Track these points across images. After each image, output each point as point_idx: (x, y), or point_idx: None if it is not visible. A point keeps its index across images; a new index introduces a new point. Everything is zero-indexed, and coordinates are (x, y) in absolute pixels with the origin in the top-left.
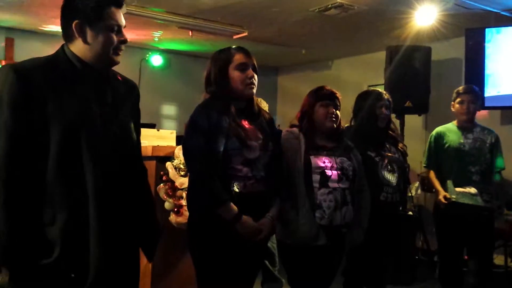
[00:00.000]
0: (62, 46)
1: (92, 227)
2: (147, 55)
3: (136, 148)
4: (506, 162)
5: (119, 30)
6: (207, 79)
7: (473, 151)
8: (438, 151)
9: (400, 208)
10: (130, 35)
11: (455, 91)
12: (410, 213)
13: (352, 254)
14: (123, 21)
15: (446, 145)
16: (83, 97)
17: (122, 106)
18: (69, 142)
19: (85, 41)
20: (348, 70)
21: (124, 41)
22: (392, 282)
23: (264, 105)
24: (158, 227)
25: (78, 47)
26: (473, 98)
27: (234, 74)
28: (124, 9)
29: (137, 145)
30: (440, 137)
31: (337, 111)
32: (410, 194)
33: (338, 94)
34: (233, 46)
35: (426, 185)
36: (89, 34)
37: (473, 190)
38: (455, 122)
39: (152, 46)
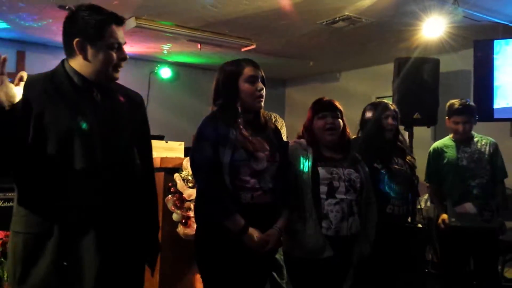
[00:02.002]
0: (62, 61)
1: (88, 240)
2: (156, 68)
3: (136, 160)
4: None
5: (119, 48)
6: (215, 91)
7: (472, 165)
8: (437, 168)
9: (409, 221)
10: (139, 48)
11: (448, 106)
12: (420, 225)
13: (359, 266)
14: (123, 39)
15: (444, 161)
16: (79, 109)
17: (124, 119)
18: (65, 149)
19: (85, 58)
20: (356, 82)
21: (124, 58)
22: None
23: (281, 122)
24: (158, 241)
25: (78, 63)
26: (468, 119)
27: (244, 86)
28: (133, 22)
29: (145, 157)
30: (437, 153)
31: (339, 120)
32: (419, 207)
33: (337, 104)
34: (242, 59)
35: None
36: (90, 51)
37: (472, 209)
38: (451, 136)
39: (161, 59)
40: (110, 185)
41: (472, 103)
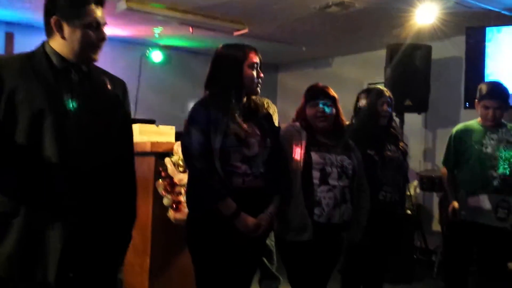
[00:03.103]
0: (43, 42)
1: (56, 226)
2: (147, 51)
3: (117, 145)
4: None
5: (98, 27)
6: (211, 75)
7: (497, 154)
8: (457, 151)
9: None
10: (130, 31)
11: (479, 88)
12: (409, 212)
13: (350, 253)
14: (103, 19)
15: (467, 145)
16: (54, 90)
17: (103, 103)
18: (36, 130)
19: (62, 37)
20: (349, 68)
21: (103, 39)
22: (390, 281)
23: (273, 108)
24: (129, 236)
25: (57, 43)
26: (499, 104)
27: (248, 72)
28: (124, 5)
29: (125, 144)
30: (460, 136)
31: (331, 108)
32: (408, 193)
33: (331, 91)
34: (243, 44)
35: (425, 184)
36: (67, 30)
37: (487, 204)
38: (479, 119)
39: (152, 42)
40: (81, 173)
41: (505, 86)
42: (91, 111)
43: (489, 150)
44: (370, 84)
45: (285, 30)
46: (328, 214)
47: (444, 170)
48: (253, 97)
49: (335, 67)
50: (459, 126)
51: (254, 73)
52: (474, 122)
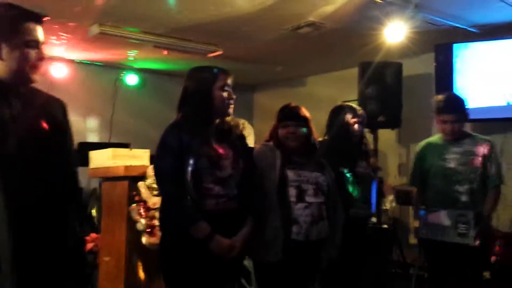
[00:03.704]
0: None
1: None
2: (122, 75)
3: (60, 168)
4: None
5: (36, 46)
6: (183, 97)
7: (460, 168)
8: (422, 169)
9: (375, 221)
10: (104, 54)
11: (435, 102)
12: (385, 226)
13: (327, 271)
14: (42, 37)
15: (430, 162)
16: None
17: (40, 123)
18: None
19: (0, 57)
20: (323, 87)
21: (42, 59)
22: None
23: (249, 129)
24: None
25: None
26: (457, 117)
27: (219, 94)
28: (97, 29)
29: (66, 164)
30: (422, 153)
31: (301, 129)
32: (385, 207)
33: (303, 111)
34: (214, 66)
35: (401, 198)
36: (5, 49)
37: (445, 220)
38: (441, 135)
39: (127, 66)
40: (24, 200)
41: (461, 96)
42: (32, 134)
43: (451, 165)
44: (344, 101)
45: (259, 51)
46: (306, 232)
47: (415, 189)
48: (228, 118)
49: (309, 86)
50: (422, 143)
51: (225, 94)
52: (436, 137)
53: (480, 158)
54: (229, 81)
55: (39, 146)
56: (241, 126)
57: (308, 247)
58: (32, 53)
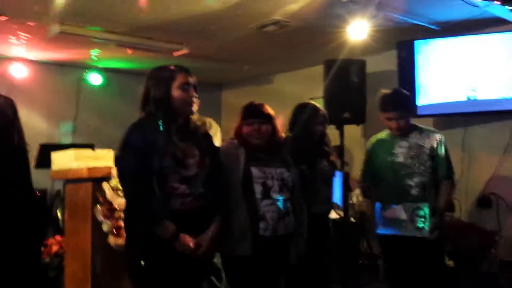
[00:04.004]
0: None
1: None
2: (85, 74)
3: (12, 168)
4: None
5: None
6: (145, 96)
7: (409, 161)
8: (371, 166)
9: (342, 215)
10: (66, 54)
11: (379, 100)
12: (352, 219)
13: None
14: None
15: (380, 158)
16: None
17: None
18: None
19: None
20: (289, 84)
21: None
22: None
23: (215, 128)
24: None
25: None
26: (400, 114)
27: (177, 93)
28: (57, 28)
29: (17, 163)
30: (372, 150)
31: (266, 126)
32: (351, 202)
33: (267, 108)
34: (174, 65)
35: (367, 192)
36: None
37: (402, 214)
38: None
39: (90, 65)
40: None
41: (404, 92)
42: None
43: (400, 159)
44: (310, 99)
45: (225, 50)
46: (273, 227)
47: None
48: (194, 117)
49: (276, 84)
50: (372, 139)
51: (184, 93)
52: (385, 133)
53: (428, 151)
54: (190, 79)
55: None
56: (207, 125)
57: (276, 242)
58: None
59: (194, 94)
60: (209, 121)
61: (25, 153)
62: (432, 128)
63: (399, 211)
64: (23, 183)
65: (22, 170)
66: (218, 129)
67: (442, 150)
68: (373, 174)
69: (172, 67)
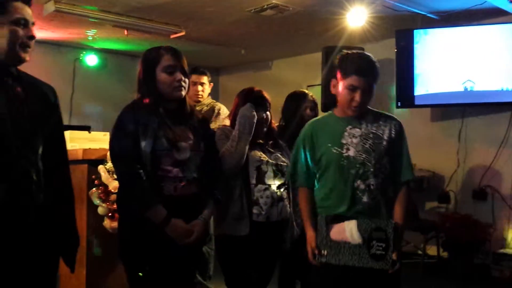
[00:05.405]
0: None
1: None
2: (81, 55)
3: (51, 149)
4: (435, 158)
5: (26, 25)
6: (138, 79)
7: (360, 157)
8: (312, 160)
9: None
10: (62, 33)
11: (340, 60)
12: None
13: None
14: (31, 17)
15: (322, 149)
16: None
17: (34, 104)
18: None
19: None
20: (288, 71)
21: (32, 37)
22: None
23: (224, 114)
24: (77, 234)
25: None
26: (369, 84)
27: (161, 76)
28: (52, 6)
29: (57, 149)
30: (311, 136)
31: (267, 113)
32: None
33: (267, 96)
34: (163, 46)
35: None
36: None
37: (354, 235)
38: (335, 110)
39: (86, 45)
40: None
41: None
42: (25, 114)
43: (351, 152)
44: (309, 86)
45: (222, 33)
46: (267, 213)
47: (299, 192)
48: (207, 100)
49: (274, 70)
50: (310, 123)
51: (169, 76)
52: (328, 115)
53: (385, 143)
54: (176, 62)
55: (34, 127)
56: (216, 109)
57: (269, 227)
58: (21, 31)
59: (182, 77)
60: (219, 106)
61: (64, 138)
62: (387, 113)
63: (351, 231)
64: (66, 168)
65: (65, 155)
66: (227, 114)
67: (404, 144)
68: (309, 174)
69: (161, 49)
